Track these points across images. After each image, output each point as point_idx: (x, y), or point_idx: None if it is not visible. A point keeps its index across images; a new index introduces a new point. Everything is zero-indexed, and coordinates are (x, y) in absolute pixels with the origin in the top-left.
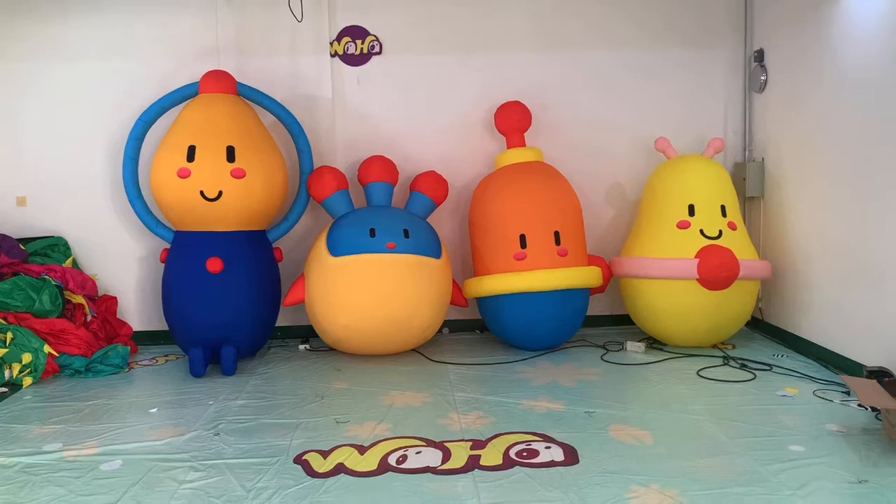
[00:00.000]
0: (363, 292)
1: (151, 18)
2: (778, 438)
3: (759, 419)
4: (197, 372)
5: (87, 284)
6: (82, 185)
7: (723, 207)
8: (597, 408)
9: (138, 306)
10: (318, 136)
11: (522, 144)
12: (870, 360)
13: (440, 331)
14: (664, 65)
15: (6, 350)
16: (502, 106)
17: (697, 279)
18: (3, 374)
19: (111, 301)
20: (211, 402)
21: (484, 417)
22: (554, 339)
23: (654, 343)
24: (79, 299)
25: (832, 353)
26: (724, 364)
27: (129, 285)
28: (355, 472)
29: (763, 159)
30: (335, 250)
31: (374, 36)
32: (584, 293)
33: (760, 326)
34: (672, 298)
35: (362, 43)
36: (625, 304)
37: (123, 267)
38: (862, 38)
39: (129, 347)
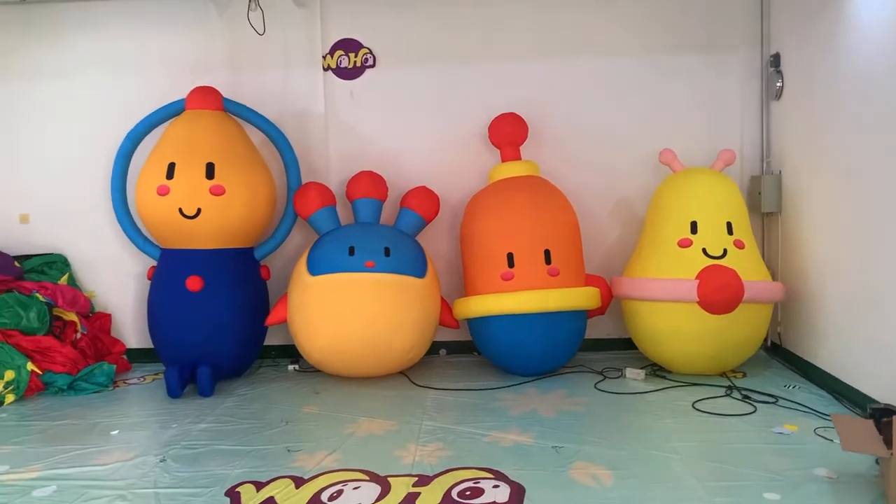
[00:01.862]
0: (340, 313)
1: (147, 35)
2: (754, 483)
3: (742, 460)
4: (174, 392)
5: (79, 302)
6: (83, 202)
7: (729, 224)
8: (567, 442)
9: (136, 323)
10: (310, 151)
11: (517, 158)
12: (886, 396)
13: (438, 352)
14: (676, 72)
15: None
16: (496, 118)
17: (698, 302)
18: None
19: (105, 318)
20: (174, 425)
21: (443, 450)
22: (546, 364)
23: (657, 370)
24: (70, 316)
25: (848, 385)
26: (727, 395)
27: (126, 302)
28: None
29: (780, 172)
30: (314, 269)
31: (368, 49)
32: (579, 315)
33: (779, 352)
34: (673, 322)
35: (355, 56)
36: (627, 327)
37: (122, 284)
38: (874, 38)
39: (114, 366)
